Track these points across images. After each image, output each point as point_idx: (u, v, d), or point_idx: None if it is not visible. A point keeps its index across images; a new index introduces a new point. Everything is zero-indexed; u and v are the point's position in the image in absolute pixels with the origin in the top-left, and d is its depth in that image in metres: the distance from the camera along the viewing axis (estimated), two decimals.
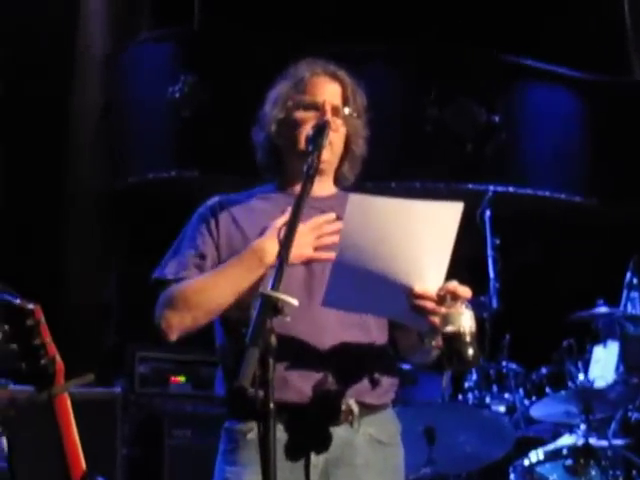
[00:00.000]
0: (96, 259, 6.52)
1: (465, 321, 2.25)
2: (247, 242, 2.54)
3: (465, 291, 2.31)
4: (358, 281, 2.30)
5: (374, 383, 2.54)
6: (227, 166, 6.11)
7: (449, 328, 2.25)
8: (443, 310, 2.28)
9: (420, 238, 2.29)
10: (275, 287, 2.14)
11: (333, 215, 2.47)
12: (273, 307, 2.11)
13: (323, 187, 2.63)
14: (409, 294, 2.30)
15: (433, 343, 2.36)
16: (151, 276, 2.63)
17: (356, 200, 2.28)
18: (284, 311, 2.12)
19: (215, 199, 2.69)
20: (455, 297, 2.30)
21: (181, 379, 5.67)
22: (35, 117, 6.23)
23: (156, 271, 2.63)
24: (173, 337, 2.52)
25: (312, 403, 2.45)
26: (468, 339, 2.23)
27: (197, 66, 6.35)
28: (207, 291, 2.49)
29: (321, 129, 2.49)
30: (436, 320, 2.29)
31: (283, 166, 2.69)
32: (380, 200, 2.34)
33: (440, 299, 2.29)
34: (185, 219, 2.73)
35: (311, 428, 2.46)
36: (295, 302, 2.14)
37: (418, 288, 2.29)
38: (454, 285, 2.31)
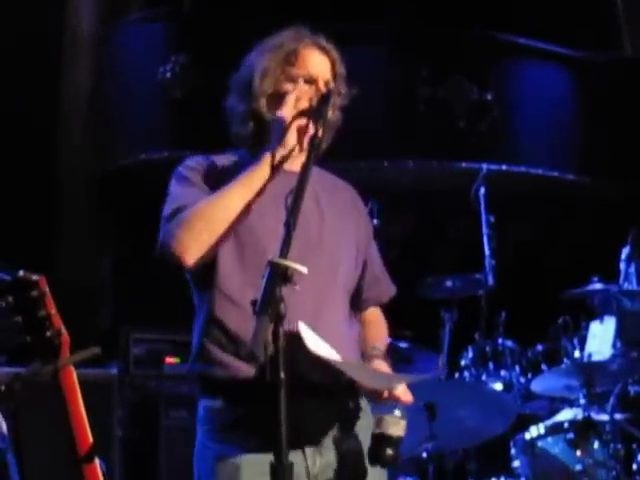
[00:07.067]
0: (88, 242, 6.48)
1: (395, 430, 2.42)
2: None
3: (408, 398, 2.47)
4: None
5: None
6: (219, 146, 6.05)
7: (378, 431, 2.43)
8: (384, 417, 2.43)
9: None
10: (283, 255, 2.12)
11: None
12: (282, 275, 2.09)
13: (297, 162, 2.47)
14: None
15: None
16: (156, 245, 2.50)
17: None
18: (293, 279, 2.09)
19: (196, 156, 2.65)
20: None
21: (176, 360, 5.64)
22: (24, 100, 6.18)
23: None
24: (190, 260, 2.40)
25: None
26: (392, 443, 2.42)
27: (188, 46, 6.30)
28: (218, 202, 2.44)
29: (326, 99, 2.46)
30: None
31: (266, 138, 2.56)
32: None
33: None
34: None
35: None
36: (304, 269, 2.12)
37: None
38: (400, 390, 2.46)
